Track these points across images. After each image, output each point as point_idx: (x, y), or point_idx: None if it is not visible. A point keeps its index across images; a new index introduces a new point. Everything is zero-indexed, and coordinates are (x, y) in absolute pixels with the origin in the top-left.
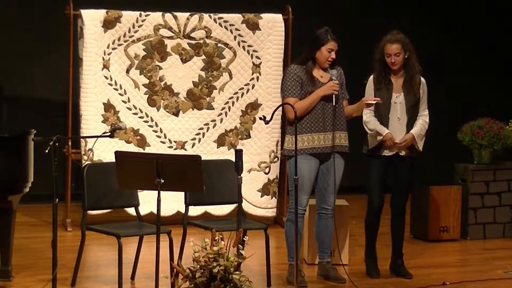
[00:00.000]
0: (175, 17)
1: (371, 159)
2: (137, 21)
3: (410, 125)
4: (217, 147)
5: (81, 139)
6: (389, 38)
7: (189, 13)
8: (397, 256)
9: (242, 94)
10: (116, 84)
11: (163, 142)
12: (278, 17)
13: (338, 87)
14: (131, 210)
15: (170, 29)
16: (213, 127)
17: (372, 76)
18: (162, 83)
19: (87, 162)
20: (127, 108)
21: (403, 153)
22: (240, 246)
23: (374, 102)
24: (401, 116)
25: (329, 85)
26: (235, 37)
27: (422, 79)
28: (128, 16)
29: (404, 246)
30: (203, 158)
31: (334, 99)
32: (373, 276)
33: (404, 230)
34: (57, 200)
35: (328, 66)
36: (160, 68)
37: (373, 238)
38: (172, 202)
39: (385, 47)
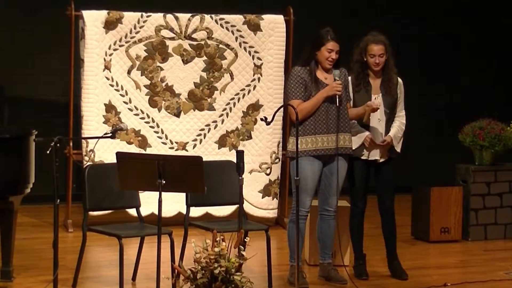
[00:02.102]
0: (177, 18)
1: (353, 161)
2: (138, 22)
3: (389, 125)
4: (218, 148)
5: (82, 140)
6: (372, 39)
7: (190, 14)
8: (393, 257)
9: (244, 95)
10: (117, 85)
11: (164, 143)
12: (280, 18)
13: (342, 87)
14: (132, 211)
15: (171, 30)
16: (214, 128)
17: (349, 78)
18: (163, 84)
19: (88, 163)
20: (128, 109)
21: (382, 160)
22: (241, 247)
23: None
24: (381, 116)
25: (331, 85)
26: (236, 38)
27: (399, 79)
28: (130, 17)
29: (405, 247)
30: (204, 159)
31: (337, 100)
32: (364, 278)
33: (396, 231)
34: (58, 201)
35: (331, 67)
36: (162, 69)
37: (361, 240)
38: (173, 203)
39: (368, 48)
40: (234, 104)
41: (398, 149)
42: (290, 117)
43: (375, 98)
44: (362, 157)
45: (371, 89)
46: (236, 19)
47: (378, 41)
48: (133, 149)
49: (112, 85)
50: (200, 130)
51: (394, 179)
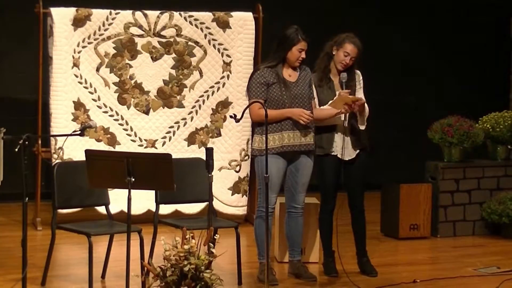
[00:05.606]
0: (146, 15)
1: (323, 158)
2: (107, 19)
3: (352, 117)
4: (188, 146)
5: (51, 138)
6: (352, 40)
7: (159, 11)
8: (362, 254)
9: (213, 92)
10: (86, 83)
11: (134, 141)
12: (249, 15)
13: (306, 118)
14: (102, 209)
15: (140, 27)
16: (184, 126)
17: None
18: (133, 82)
19: (57, 161)
20: (97, 106)
21: (353, 155)
22: (211, 244)
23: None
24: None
25: (299, 113)
26: (205, 35)
27: (357, 71)
28: (98, 14)
29: (375, 244)
30: (173, 156)
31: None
32: (333, 275)
33: (366, 228)
34: (27, 199)
35: (298, 65)
36: (131, 66)
37: (330, 237)
38: (143, 200)
39: (345, 45)
40: (203, 101)
41: (362, 127)
42: (251, 117)
43: (338, 94)
44: (333, 154)
45: (334, 86)
46: (205, 16)
47: (356, 44)
48: (102, 146)
49: (80, 83)
50: (169, 127)
51: (364, 175)
